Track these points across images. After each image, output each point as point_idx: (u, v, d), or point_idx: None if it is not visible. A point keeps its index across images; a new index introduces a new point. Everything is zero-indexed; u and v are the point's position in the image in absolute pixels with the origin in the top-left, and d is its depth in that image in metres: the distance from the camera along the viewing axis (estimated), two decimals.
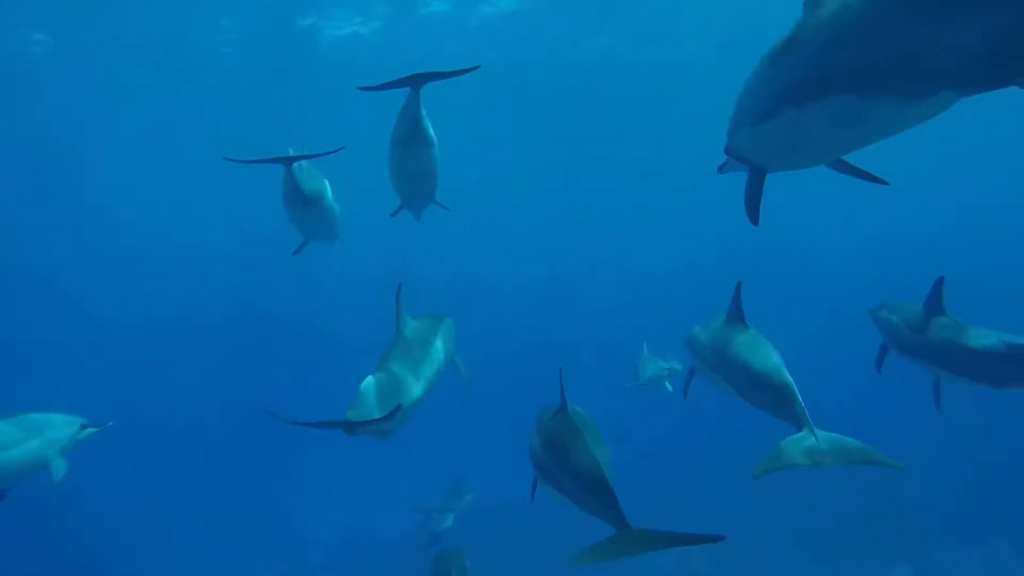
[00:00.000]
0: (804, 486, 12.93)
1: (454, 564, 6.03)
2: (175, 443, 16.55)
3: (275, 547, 13.92)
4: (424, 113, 5.00)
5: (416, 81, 4.71)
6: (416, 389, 4.37)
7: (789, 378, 3.85)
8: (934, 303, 4.78)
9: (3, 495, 5.23)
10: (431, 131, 5.16)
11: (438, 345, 4.89)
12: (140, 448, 15.23)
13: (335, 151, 5.14)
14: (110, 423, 5.87)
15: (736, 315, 4.50)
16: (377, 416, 3.96)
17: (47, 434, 5.33)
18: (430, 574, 6.05)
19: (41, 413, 5.51)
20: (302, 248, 6.87)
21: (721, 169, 4.01)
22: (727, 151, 3.50)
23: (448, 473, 12.36)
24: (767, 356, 4.08)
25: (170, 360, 19.72)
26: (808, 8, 2.38)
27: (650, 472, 13.89)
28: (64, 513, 13.33)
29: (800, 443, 3.57)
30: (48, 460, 5.34)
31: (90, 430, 5.72)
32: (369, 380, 4.23)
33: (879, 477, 12.96)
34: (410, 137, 5.10)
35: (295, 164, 5.50)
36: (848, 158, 3.26)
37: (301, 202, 5.69)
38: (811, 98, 2.38)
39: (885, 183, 3.56)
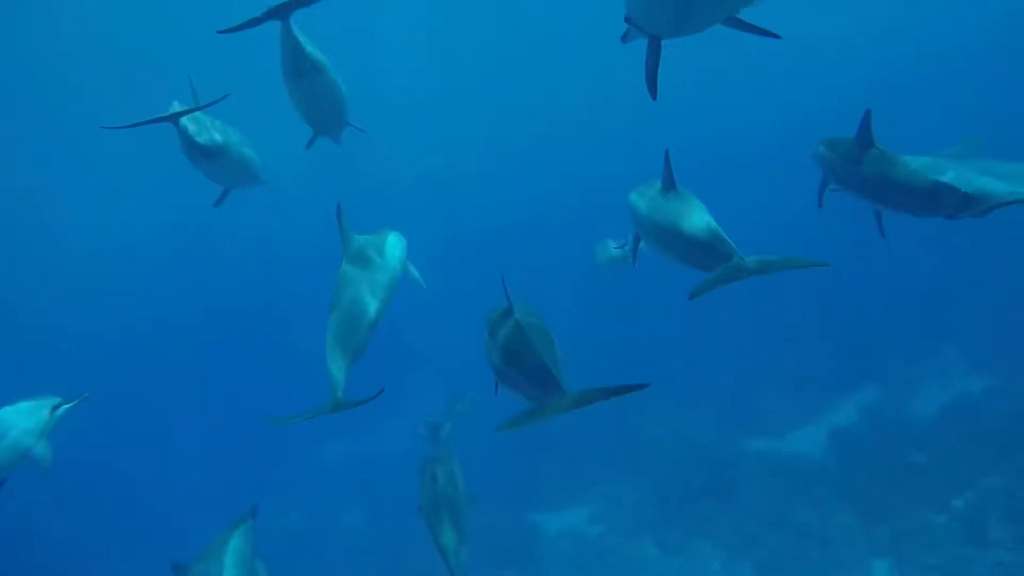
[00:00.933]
0: (773, 333, 13.80)
1: (440, 467, 5.83)
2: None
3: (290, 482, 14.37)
4: (303, 41, 4.80)
5: (280, 13, 4.46)
6: (372, 307, 4.43)
7: (718, 230, 4.01)
8: (864, 135, 4.85)
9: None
10: (318, 57, 4.98)
11: (387, 260, 4.91)
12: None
13: (221, 99, 4.89)
14: (86, 395, 5.63)
15: (668, 183, 4.56)
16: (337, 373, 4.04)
17: (13, 432, 5.19)
18: (418, 478, 5.86)
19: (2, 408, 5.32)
20: (223, 199, 6.49)
21: (624, 38, 3.99)
22: (626, 20, 3.57)
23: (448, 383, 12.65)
24: (699, 217, 4.18)
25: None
26: None
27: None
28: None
29: (729, 266, 3.82)
30: (27, 451, 5.23)
31: (65, 407, 5.51)
32: (331, 319, 4.25)
33: (837, 313, 13.99)
34: (295, 70, 4.95)
35: (188, 118, 5.13)
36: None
37: (203, 156, 5.31)
38: None
39: (777, 36, 3.65)
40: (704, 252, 4.09)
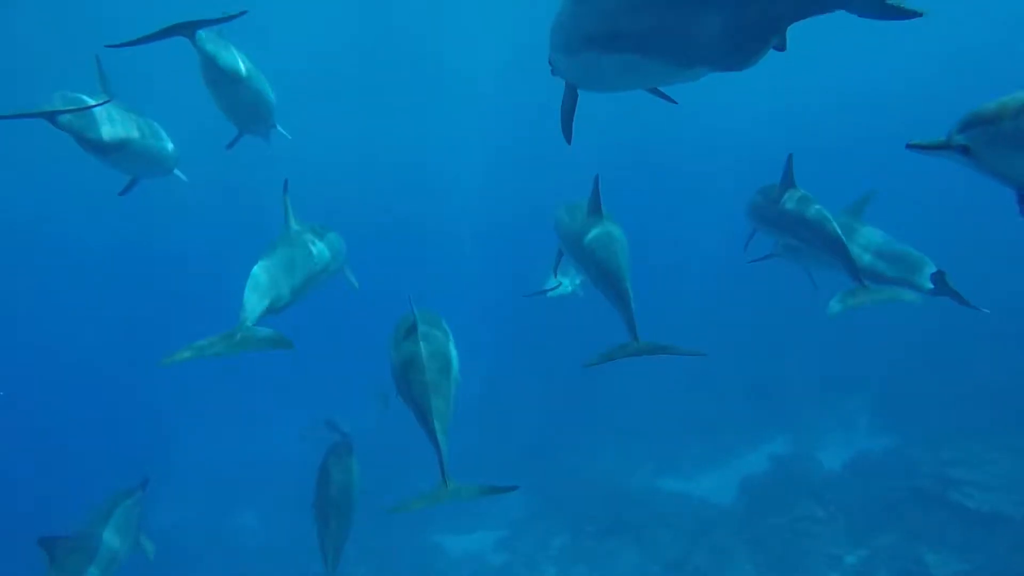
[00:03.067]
0: (690, 376, 14.00)
1: (339, 462, 5.87)
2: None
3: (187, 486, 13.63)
4: (214, 50, 4.79)
5: (185, 30, 4.42)
6: (285, 289, 4.48)
7: (627, 284, 4.14)
8: (786, 178, 5.32)
9: None
10: (235, 64, 5.01)
11: (318, 251, 5.00)
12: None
13: (105, 102, 4.65)
14: (147, 479, 6.02)
15: (594, 207, 4.69)
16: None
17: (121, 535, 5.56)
18: (318, 471, 5.85)
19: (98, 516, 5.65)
20: (129, 189, 6.08)
21: (552, 73, 4.06)
22: (549, 64, 3.75)
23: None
24: (614, 255, 4.32)
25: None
26: None
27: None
28: None
29: (625, 345, 4.01)
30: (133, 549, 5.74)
31: (140, 494, 5.96)
32: (255, 269, 4.33)
33: (757, 359, 14.36)
34: (213, 77, 5.01)
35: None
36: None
37: (100, 150, 4.93)
38: (604, 49, 2.81)
39: (674, 102, 3.87)
40: (610, 290, 4.24)
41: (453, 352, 4.09)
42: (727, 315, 15.29)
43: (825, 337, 14.05)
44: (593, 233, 4.53)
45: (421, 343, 3.84)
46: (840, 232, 4.85)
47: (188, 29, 4.42)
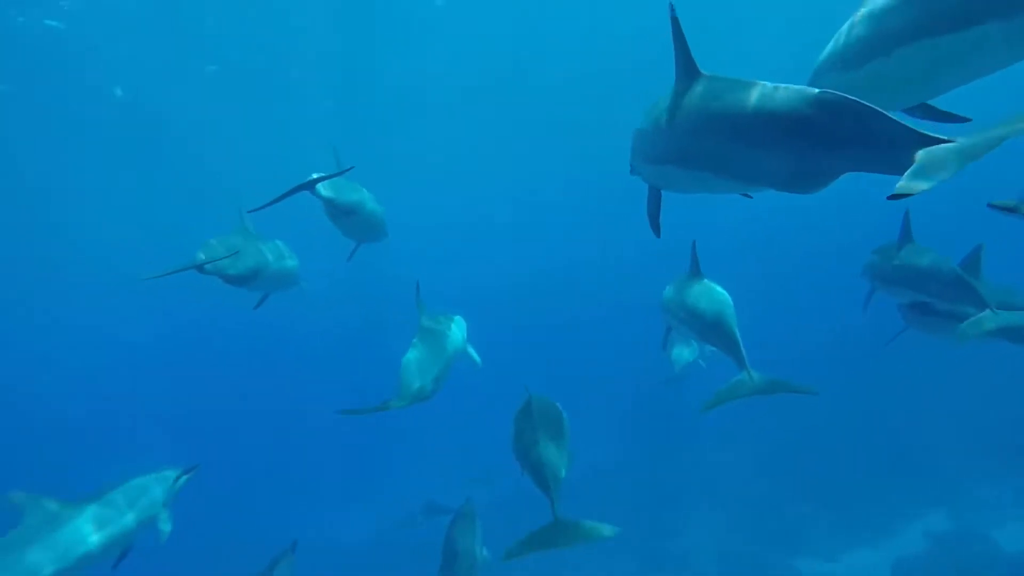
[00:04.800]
0: (807, 441, 12.65)
1: (466, 531, 6.08)
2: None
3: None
4: (330, 195, 5.73)
5: (309, 186, 5.49)
6: (435, 369, 5.12)
7: (733, 325, 4.44)
8: (905, 234, 5.58)
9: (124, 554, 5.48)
10: (349, 199, 5.96)
11: (452, 335, 5.72)
12: None
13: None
14: (198, 465, 6.18)
15: (694, 270, 5.15)
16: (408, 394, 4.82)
17: (143, 500, 5.50)
18: (444, 540, 6.09)
19: (134, 479, 5.65)
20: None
21: (631, 174, 4.40)
22: (631, 170, 4.20)
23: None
24: (719, 305, 4.67)
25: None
26: (679, 96, 3.07)
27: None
28: None
29: (740, 381, 4.15)
30: (153, 519, 5.54)
31: (184, 478, 5.96)
32: (407, 357, 5.06)
33: (891, 417, 12.82)
34: (331, 214, 6.00)
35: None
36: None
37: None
38: (681, 165, 3.21)
39: (749, 197, 3.95)
40: (719, 338, 4.53)
41: (566, 426, 4.55)
42: (849, 366, 13.94)
43: (976, 392, 12.46)
44: (695, 290, 4.95)
45: (536, 417, 4.41)
46: (962, 272, 4.96)
47: (311, 186, 5.52)
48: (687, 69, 3.05)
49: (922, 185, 1.92)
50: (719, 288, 4.90)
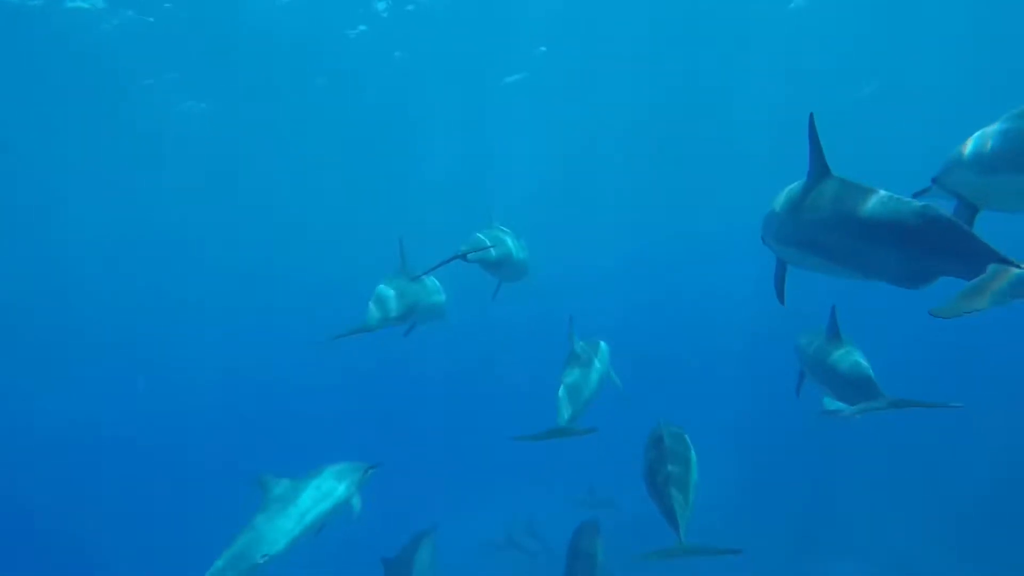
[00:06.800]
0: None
1: (590, 537, 6.59)
2: None
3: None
4: (478, 257, 6.24)
5: (462, 255, 6.10)
6: (586, 392, 5.80)
7: (871, 373, 4.83)
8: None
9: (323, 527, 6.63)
10: (496, 257, 6.42)
11: (597, 362, 6.31)
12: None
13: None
14: (383, 463, 7.26)
15: (833, 332, 5.48)
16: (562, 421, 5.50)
17: (338, 492, 6.73)
18: (568, 545, 6.67)
19: (336, 465, 6.91)
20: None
21: (763, 242, 4.74)
22: (762, 240, 4.58)
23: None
24: (856, 364, 5.04)
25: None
26: (810, 190, 3.57)
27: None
28: None
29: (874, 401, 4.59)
30: (345, 504, 6.78)
31: (371, 471, 7.09)
32: (565, 381, 5.76)
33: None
34: (483, 266, 6.51)
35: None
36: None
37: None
38: (803, 249, 3.74)
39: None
40: (857, 391, 4.87)
41: (693, 458, 4.79)
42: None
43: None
44: (836, 354, 5.28)
45: (666, 442, 4.72)
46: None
47: (462, 256, 6.11)
48: (820, 168, 3.53)
49: (961, 311, 2.43)
50: (856, 351, 5.23)
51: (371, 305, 6.00)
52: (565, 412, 5.45)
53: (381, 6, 16.76)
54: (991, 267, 2.54)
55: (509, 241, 6.88)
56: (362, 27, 17.44)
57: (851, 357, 5.13)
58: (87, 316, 24.01)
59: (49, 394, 21.19)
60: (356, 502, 6.82)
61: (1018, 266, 2.49)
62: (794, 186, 3.83)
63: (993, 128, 3.63)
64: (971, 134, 3.87)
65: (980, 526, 11.30)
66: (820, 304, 5.70)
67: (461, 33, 17.74)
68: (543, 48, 19.57)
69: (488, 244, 6.32)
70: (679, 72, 20.48)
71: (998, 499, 11.56)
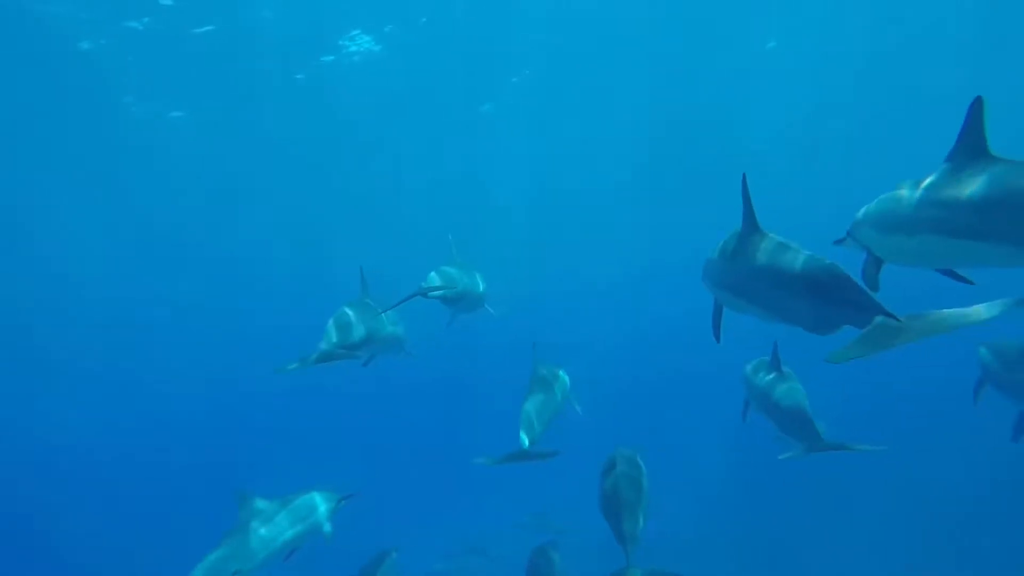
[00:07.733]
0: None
1: (547, 559, 6.94)
2: None
3: None
4: (438, 295, 6.47)
5: (423, 292, 6.32)
6: (546, 417, 6.02)
7: (808, 411, 5.29)
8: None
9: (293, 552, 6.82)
10: (452, 295, 6.62)
11: (558, 385, 6.60)
12: None
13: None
14: (358, 492, 7.41)
15: (775, 363, 5.88)
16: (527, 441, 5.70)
17: (313, 517, 6.94)
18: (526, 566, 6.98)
19: (306, 494, 7.08)
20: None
21: (702, 282, 5.05)
22: (702, 280, 4.95)
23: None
24: (794, 396, 5.50)
25: None
26: (741, 242, 4.02)
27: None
28: None
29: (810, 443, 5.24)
30: (318, 529, 6.98)
31: (343, 502, 7.27)
32: (526, 407, 5.95)
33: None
34: (443, 302, 6.70)
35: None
36: None
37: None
38: (733, 293, 4.29)
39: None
40: (793, 423, 5.39)
41: (645, 483, 5.11)
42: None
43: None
44: (781, 389, 5.70)
45: (619, 468, 5.04)
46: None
47: (423, 293, 6.32)
48: (750, 224, 3.97)
49: (846, 358, 2.85)
50: (796, 382, 5.68)
51: (330, 326, 6.07)
52: (526, 436, 5.62)
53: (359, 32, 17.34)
54: (878, 318, 2.97)
55: (465, 278, 7.05)
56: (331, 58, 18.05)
57: (794, 395, 5.51)
58: (70, 327, 23.88)
59: (29, 402, 21.12)
60: (328, 527, 7.03)
61: (898, 320, 2.91)
62: (729, 237, 4.28)
63: (891, 193, 3.86)
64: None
65: (980, 526, 11.50)
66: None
67: (444, 59, 18.39)
68: (525, 73, 20.25)
69: (447, 286, 6.55)
70: (664, 105, 21.36)
71: (998, 500, 11.86)
